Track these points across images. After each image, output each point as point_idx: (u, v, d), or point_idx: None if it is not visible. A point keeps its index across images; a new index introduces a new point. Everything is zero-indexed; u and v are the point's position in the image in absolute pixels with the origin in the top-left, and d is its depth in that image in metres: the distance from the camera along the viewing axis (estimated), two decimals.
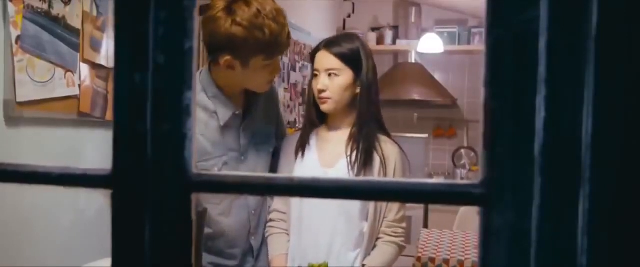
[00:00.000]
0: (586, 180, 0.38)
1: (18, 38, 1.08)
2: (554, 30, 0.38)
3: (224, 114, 1.40)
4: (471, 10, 4.25)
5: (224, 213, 1.44)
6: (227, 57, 1.33)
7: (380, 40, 4.48)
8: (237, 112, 1.44)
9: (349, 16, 4.60)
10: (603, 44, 0.38)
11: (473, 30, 4.25)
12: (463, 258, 2.15)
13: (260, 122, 1.53)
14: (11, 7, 1.07)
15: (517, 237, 0.39)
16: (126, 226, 0.47)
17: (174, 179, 0.46)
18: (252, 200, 1.50)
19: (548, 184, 0.39)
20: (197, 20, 0.46)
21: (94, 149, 1.44)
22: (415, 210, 4.01)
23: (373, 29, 4.54)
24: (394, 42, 4.44)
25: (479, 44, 4.21)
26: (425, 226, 3.88)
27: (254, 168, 1.51)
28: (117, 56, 0.47)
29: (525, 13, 0.39)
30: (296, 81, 3.48)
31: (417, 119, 4.50)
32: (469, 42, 4.24)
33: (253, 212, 1.51)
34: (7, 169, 0.51)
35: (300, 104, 3.53)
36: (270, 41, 1.33)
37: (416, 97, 4.19)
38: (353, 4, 4.58)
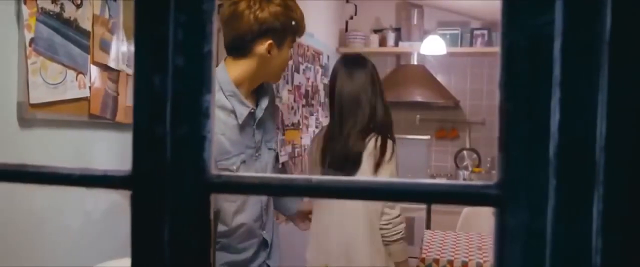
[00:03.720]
0: (600, 182, 0.39)
1: (31, 40, 1.09)
2: (569, 33, 0.39)
3: (242, 112, 1.45)
4: (473, 12, 4.26)
5: (239, 210, 1.47)
6: (269, 41, 1.42)
7: (382, 42, 4.49)
8: (252, 110, 1.48)
9: (352, 18, 4.61)
10: (616, 47, 0.39)
11: (475, 32, 4.25)
12: (467, 259, 2.16)
13: (268, 118, 1.57)
14: (25, 10, 1.08)
15: (532, 237, 0.40)
16: (145, 226, 0.48)
17: (193, 180, 0.46)
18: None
19: (563, 186, 0.39)
20: (215, 24, 0.47)
21: (105, 150, 1.45)
22: (418, 211, 4.02)
23: (375, 31, 4.55)
24: (396, 44, 4.44)
25: (480, 46, 4.22)
26: (428, 227, 3.88)
27: (266, 164, 1.56)
28: (136, 59, 0.48)
29: (541, 17, 0.39)
30: (300, 83, 3.48)
31: (420, 120, 4.51)
32: (471, 44, 4.25)
33: (265, 207, 1.55)
34: (29, 170, 0.52)
35: (303, 106, 3.53)
36: (299, 22, 1.44)
37: (419, 98, 4.20)
38: (355, 5, 4.59)
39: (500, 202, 0.40)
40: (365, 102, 1.74)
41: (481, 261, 2.14)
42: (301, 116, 3.55)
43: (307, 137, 3.44)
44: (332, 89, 1.81)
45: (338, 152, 1.74)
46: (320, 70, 3.70)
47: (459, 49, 4.25)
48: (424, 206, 4.00)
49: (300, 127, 3.51)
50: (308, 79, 3.37)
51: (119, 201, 1.49)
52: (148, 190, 0.48)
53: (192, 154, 0.46)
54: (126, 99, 1.46)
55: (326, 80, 3.92)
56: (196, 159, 0.46)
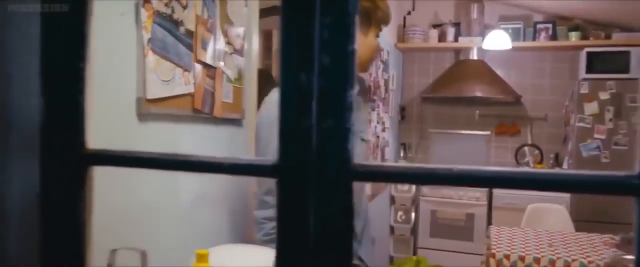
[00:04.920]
0: None
1: (149, 40, 1.17)
2: None
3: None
4: (536, 6, 4.17)
5: None
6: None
7: (441, 37, 4.46)
8: None
9: (409, 13, 4.60)
10: None
11: (538, 25, 4.17)
12: (539, 255, 2.14)
13: (358, 109, 1.60)
14: (143, 12, 1.16)
15: None
16: (291, 212, 0.52)
17: (338, 169, 0.50)
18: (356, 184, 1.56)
19: None
20: (357, 25, 0.51)
21: (205, 143, 1.53)
22: (478, 207, 3.99)
23: (434, 26, 4.52)
24: (455, 39, 4.41)
25: (544, 40, 4.13)
26: (490, 223, 3.85)
27: (359, 155, 1.59)
28: (284, 58, 0.52)
29: None
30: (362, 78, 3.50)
31: (479, 116, 4.46)
32: (534, 38, 4.17)
33: (357, 195, 1.58)
34: (179, 159, 0.57)
35: (365, 102, 3.55)
36: (386, 11, 1.45)
37: (478, 94, 4.16)
38: (413, 1, 4.57)
39: None
40: None
41: (554, 257, 2.12)
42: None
43: (370, 132, 3.45)
44: None
45: None
46: (381, 66, 3.71)
47: (521, 44, 4.18)
48: (484, 202, 3.97)
49: None
50: (370, 74, 3.38)
51: (229, 189, 1.56)
52: (294, 178, 0.52)
53: (336, 145, 0.50)
54: (221, 95, 1.53)
55: (387, 76, 3.93)
56: (341, 149, 0.50)
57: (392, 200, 4.17)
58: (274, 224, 1.45)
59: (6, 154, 0.60)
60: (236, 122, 1.70)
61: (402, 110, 4.64)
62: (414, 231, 4.22)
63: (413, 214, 4.18)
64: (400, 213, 4.13)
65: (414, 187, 4.11)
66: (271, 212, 1.38)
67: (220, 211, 1.65)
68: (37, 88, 0.60)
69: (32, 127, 0.61)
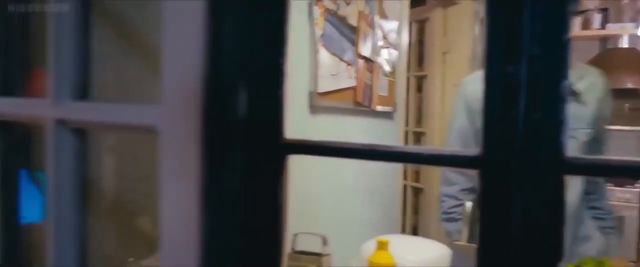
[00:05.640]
0: None
1: (320, 37, 1.23)
2: None
3: None
4: None
5: None
6: None
7: (585, 25, 4.14)
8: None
9: None
10: None
11: None
12: None
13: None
14: (316, 10, 1.22)
15: None
16: (495, 204, 0.52)
17: (548, 162, 0.49)
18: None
19: None
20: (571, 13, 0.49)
21: (363, 136, 1.58)
22: (630, 210, 3.66)
23: (578, 13, 4.21)
24: (602, 26, 4.07)
25: None
26: None
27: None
28: (489, 47, 0.51)
29: None
30: None
31: (629, 110, 4.09)
32: None
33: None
34: (378, 149, 0.58)
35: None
36: None
37: (629, 85, 3.80)
38: None
39: None
40: None
41: None
42: None
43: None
44: None
45: None
46: None
47: None
48: (635, 204, 3.64)
49: None
50: None
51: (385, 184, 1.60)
52: (499, 170, 0.51)
53: (547, 138, 0.49)
54: (378, 88, 1.56)
55: None
56: (552, 142, 0.48)
57: None
58: (453, 202, 1.44)
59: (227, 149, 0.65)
60: (388, 115, 1.72)
61: None
62: None
63: None
64: None
65: None
66: (450, 189, 1.36)
67: (371, 201, 1.67)
68: (243, 84, 0.65)
69: (235, 119, 0.66)
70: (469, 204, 1.30)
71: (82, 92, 0.71)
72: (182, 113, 0.61)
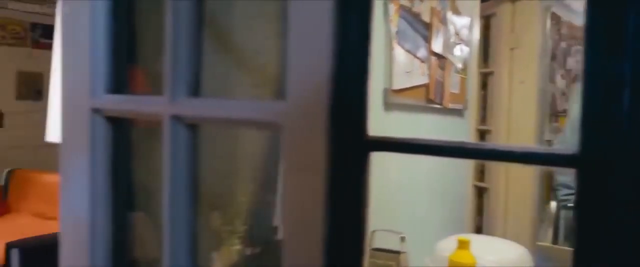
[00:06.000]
0: None
1: (395, 34, 1.24)
2: None
3: None
4: None
5: None
6: None
7: None
8: None
9: None
10: None
11: None
12: None
13: None
14: (391, 7, 1.22)
15: None
16: (592, 206, 0.50)
17: None
18: None
19: None
20: None
21: (435, 134, 1.57)
22: None
23: None
24: None
25: None
26: None
27: None
28: (589, 44, 0.50)
29: None
30: (570, 68, 3.27)
31: None
32: None
33: None
34: (467, 147, 0.58)
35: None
36: None
37: None
38: None
39: None
40: None
41: None
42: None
43: None
44: None
45: None
46: None
47: None
48: None
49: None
50: (578, 61, 3.13)
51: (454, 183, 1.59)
52: (599, 170, 0.50)
53: None
54: (449, 85, 1.55)
55: None
56: None
57: None
58: (566, 191, 1.43)
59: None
60: (459, 112, 1.69)
61: None
62: None
63: None
64: None
65: None
66: (564, 179, 1.36)
67: (443, 200, 1.66)
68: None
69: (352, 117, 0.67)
70: (553, 204, 1.27)
71: (195, 89, 0.74)
72: (308, 110, 0.62)
